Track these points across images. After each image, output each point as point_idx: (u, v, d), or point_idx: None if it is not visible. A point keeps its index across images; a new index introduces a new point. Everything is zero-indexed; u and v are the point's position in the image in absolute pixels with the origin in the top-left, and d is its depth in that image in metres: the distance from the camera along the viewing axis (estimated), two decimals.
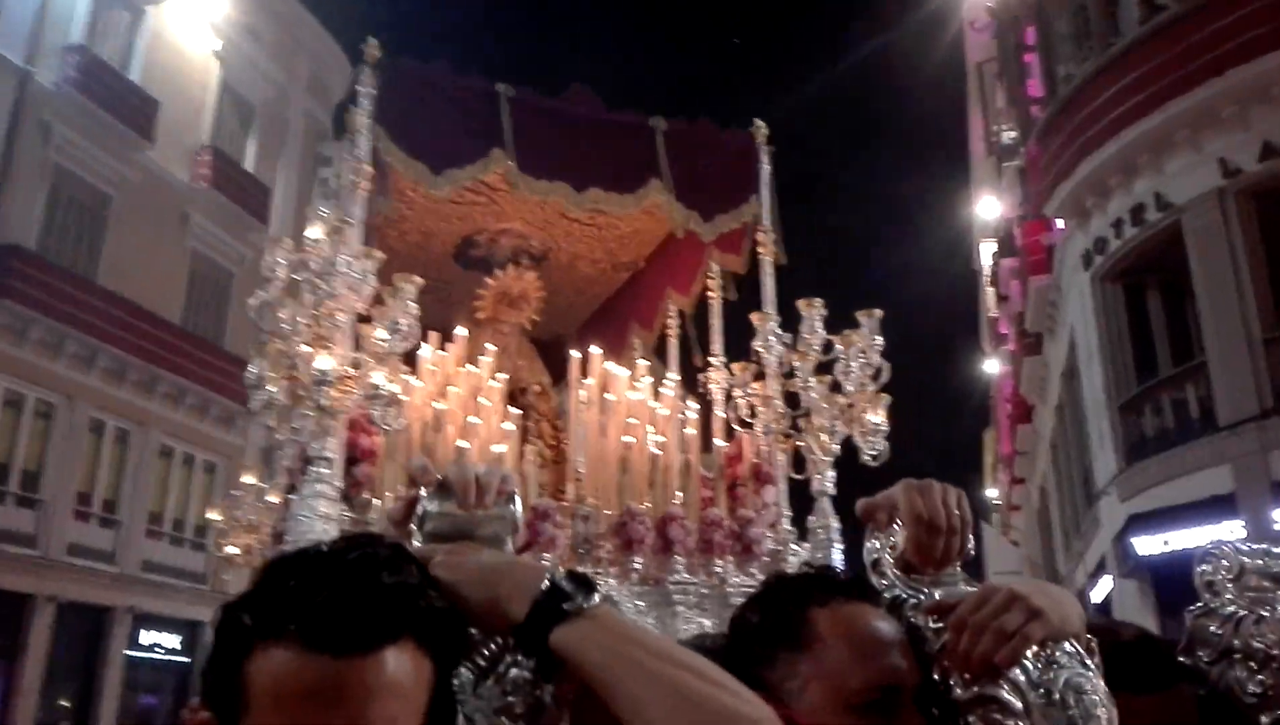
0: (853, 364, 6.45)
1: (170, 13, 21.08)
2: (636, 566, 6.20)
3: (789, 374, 6.74)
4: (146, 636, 19.74)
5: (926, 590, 1.33)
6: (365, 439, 6.25)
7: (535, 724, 1.10)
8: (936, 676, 1.24)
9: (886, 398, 6.59)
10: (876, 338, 6.59)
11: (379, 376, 5.65)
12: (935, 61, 25.95)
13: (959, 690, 1.21)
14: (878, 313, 6.69)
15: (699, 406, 7.54)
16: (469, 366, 7.25)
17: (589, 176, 7.02)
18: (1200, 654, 1.56)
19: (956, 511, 1.41)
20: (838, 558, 6.54)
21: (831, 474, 6.64)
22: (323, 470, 5.64)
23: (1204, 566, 1.64)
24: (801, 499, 7.05)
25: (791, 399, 6.89)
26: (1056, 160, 14.41)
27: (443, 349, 7.37)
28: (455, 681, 1.08)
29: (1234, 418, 12.02)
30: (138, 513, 19.77)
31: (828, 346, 6.70)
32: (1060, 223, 15.27)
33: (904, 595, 1.33)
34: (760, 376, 6.91)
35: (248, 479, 9.75)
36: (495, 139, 6.79)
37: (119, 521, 19.42)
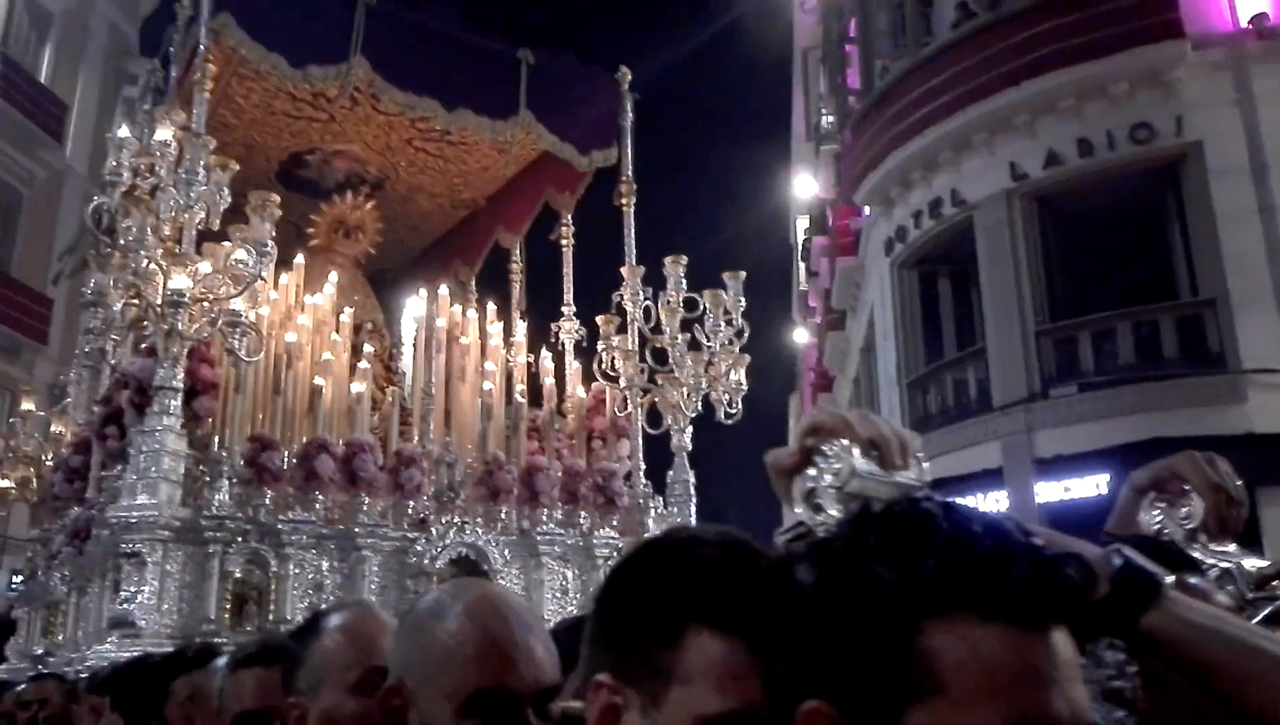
0: (721, 323, 6.57)
1: None
2: (503, 517, 6.06)
3: (654, 329, 6.78)
4: None
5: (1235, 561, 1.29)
6: (206, 370, 5.77)
7: (1135, 708, 1.06)
8: None
9: (747, 358, 6.77)
10: (741, 299, 6.75)
11: (239, 303, 5.21)
12: (770, 39, 26.71)
13: None
14: (741, 274, 6.84)
15: (551, 356, 7.46)
16: (312, 298, 6.83)
17: (458, 96, 6.75)
18: None
19: (1239, 482, 1.43)
20: (692, 514, 6.67)
21: (689, 430, 6.75)
22: (170, 401, 5.17)
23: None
24: (652, 454, 7.14)
25: (646, 355, 6.94)
26: (868, 150, 15.17)
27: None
28: None
29: (1006, 399, 13.12)
30: None
31: (690, 303, 6.79)
32: (867, 209, 16.12)
33: (1221, 567, 1.27)
34: (623, 329, 6.92)
35: (27, 406, 8.73)
36: (353, 44, 6.37)
37: None
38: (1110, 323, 12.78)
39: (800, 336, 25.89)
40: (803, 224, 24.92)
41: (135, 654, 4.83)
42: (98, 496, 6.67)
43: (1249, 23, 12.24)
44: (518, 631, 1.34)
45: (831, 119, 19.79)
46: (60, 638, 6.62)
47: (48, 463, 8.04)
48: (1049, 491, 12.41)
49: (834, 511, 1.14)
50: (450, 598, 1.39)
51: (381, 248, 8.17)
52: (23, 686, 5.00)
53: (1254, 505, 11.12)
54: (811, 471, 1.15)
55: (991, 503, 13.03)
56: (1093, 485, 12.14)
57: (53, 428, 8.29)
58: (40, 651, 6.75)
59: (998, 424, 13.15)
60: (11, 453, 8.28)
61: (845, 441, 1.18)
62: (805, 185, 24.33)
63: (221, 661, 2.58)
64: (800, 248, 25.28)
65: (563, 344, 7.41)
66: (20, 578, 13.19)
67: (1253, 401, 11.44)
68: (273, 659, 2.01)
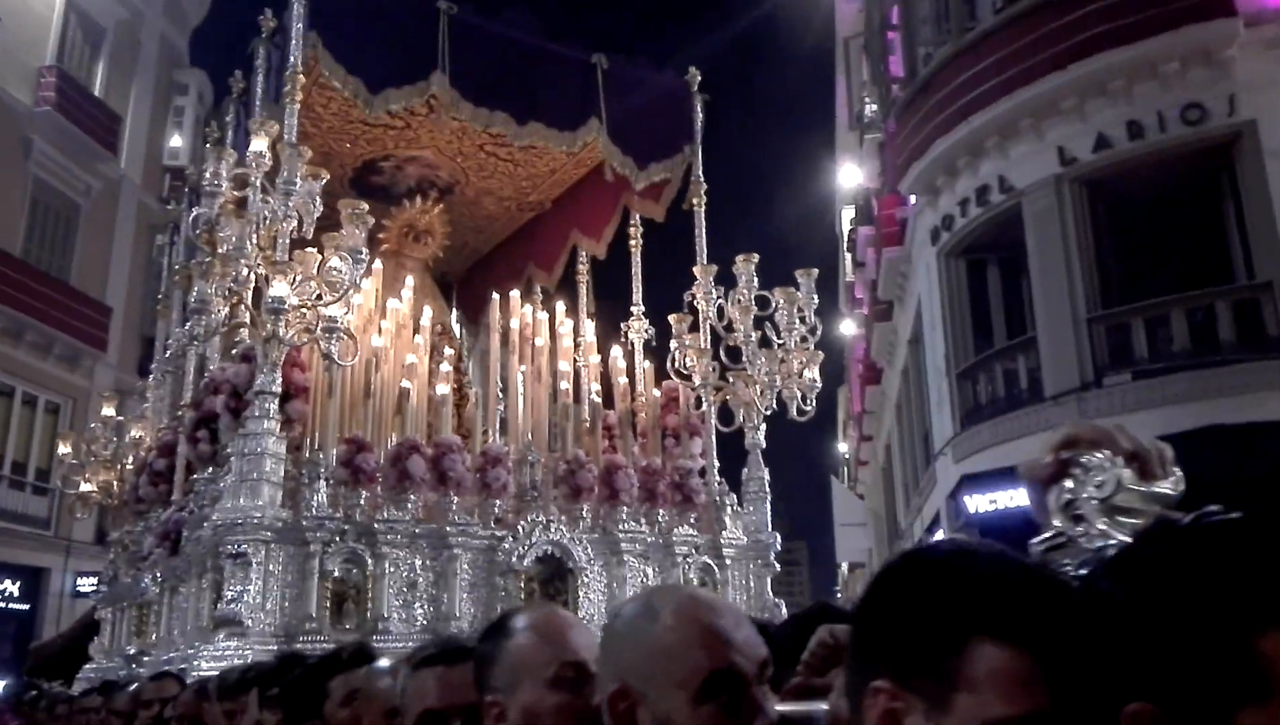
0: (796, 321, 6.61)
1: None
2: (585, 515, 6.16)
3: (728, 327, 6.84)
4: None
5: None
6: (299, 374, 5.90)
7: None
8: None
9: (821, 354, 6.81)
10: (814, 296, 6.79)
11: (335, 309, 5.33)
12: (811, 28, 26.63)
13: None
14: (814, 272, 6.88)
15: (624, 355, 7.54)
16: (393, 302, 6.95)
17: (530, 109, 6.84)
18: None
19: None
20: (767, 512, 6.72)
21: (763, 427, 6.80)
22: (269, 405, 5.30)
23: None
24: (723, 452, 7.20)
25: (719, 353, 7.01)
26: (912, 139, 15.10)
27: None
28: None
29: (1058, 389, 13.02)
30: None
31: (762, 302, 6.85)
32: (912, 198, 16.06)
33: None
34: (695, 327, 6.99)
35: (107, 412, 8.92)
36: (434, 59, 6.47)
37: None
38: (1164, 308, 12.60)
39: (848, 328, 25.84)
40: (848, 214, 24.83)
41: (247, 654, 4.98)
42: (185, 498, 6.84)
43: None
44: (730, 619, 1.43)
45: (875, 107, 19.70)
46: (153, 637, 6.79)
47: (128, 466, 8.23)
48: None
49: (1101, 524, 1.21)
50: (657, 600, 1.48)
51: (447, 251, 8.29)
52: (136, 685, 5.14)
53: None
54: (1069, 483, 1.21)
55: None
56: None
57: (131, 432, 8.47)
58: (133, 651, 6.92)
59: (1050, 414, 13.03)
60: (93, 457, 8.48)
61: (1106, 453, 1.24)
62: (850, 175, 24.24)
63: (384, 662, 2.69)
64: (846, 238, 25.22)
65: (632, 343, 7.49)
66: (94, 580, 13.49)
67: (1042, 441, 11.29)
68: (456, 658, 2.11)
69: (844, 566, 31.77)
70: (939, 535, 15.60)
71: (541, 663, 1.74)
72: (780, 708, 1.41)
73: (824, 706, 1.38)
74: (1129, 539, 1.14)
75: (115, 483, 8.44)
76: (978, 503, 13.76)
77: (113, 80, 21.60)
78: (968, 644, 1.01)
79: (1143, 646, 0.95)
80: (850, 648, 1.15)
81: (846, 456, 33.43)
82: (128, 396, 10.70)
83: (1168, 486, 1.25)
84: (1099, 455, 1.20)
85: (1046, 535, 1.22)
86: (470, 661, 2.00)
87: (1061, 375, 13.03)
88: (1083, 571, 1.15)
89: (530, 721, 1.71)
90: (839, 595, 32.83)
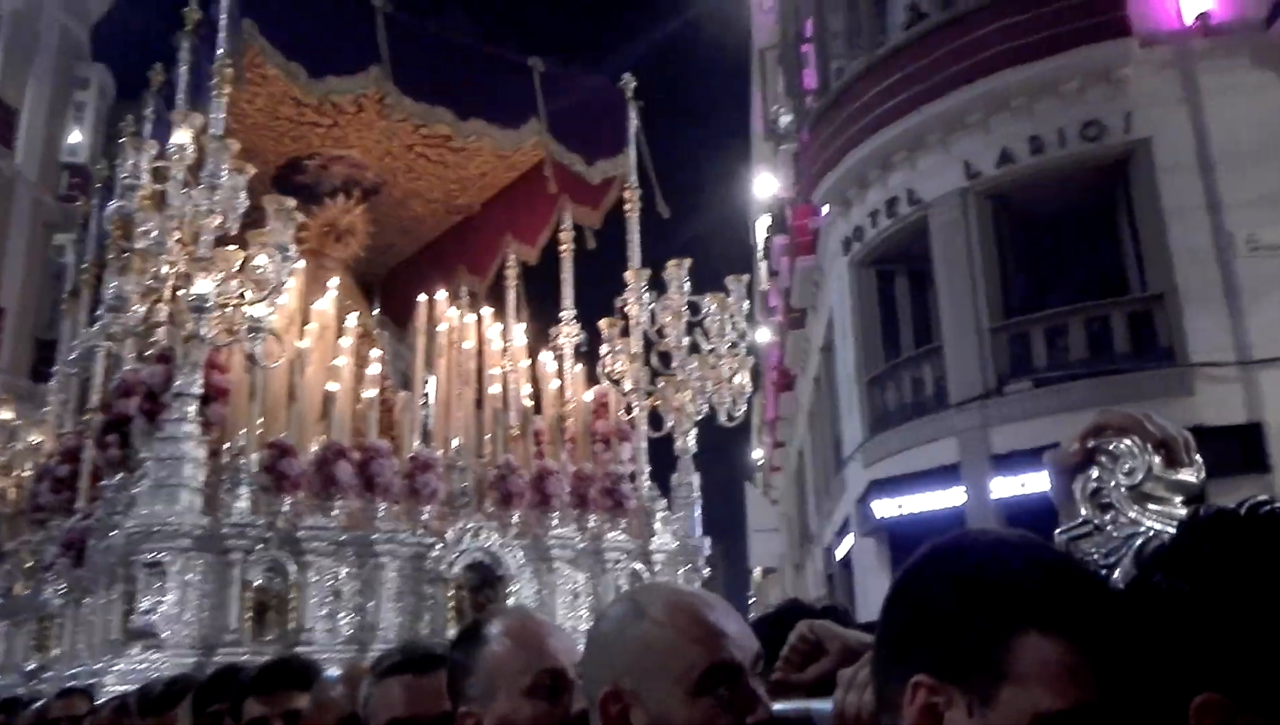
0: (727, 327, 6.65)
1: None
2: (515, 522, 6.07)
3: (659, 333, 6.84)
4: None
5: None
6: (219, 376, 5.68)
7: None
8: None
9: (752, 360, 6.86)
10: (745, 303, 6.84)
11: (260, 309, 5.14)
12: (732, 38, 26.85)
13: None
14: (746, 278, 6.94)
15: (554, 360, 7.48)
16: (317, 303, 6.76)
17: (471, 106, 6.73)
18: None
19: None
20: (697, 517, 6.74)
21: (693, 433, 6.82)
22: (188, 408, 5.09)
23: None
24: (650, 457, 7.19)
25: (650, 358, 7.01)
26: (825, 150, 15.39)
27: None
28: None
29: (962, 396, 13.41)
30: None
31: (693, 307, 6.87)
32: (825, 209, 16.35)
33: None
34: (626, 333, 6.97)
35: (3, 415, 8.43)
36: (373, 54, 6.32)
37: None
38: (1062, 319, 13.05)
39: (762, 336, 26.20)
40: (764, 223, 25.16)
41: (163, 667, 4.76)
42: (91, 505, 6.51)
43: (1194, 20, 12.50)
44: (720, 611, 1.42)
45: (789, 118, 20.02)
46: (55, 652, 6.44)
47: (25, 473, 7.80)
48: (1005, 487, 12.59)
49: (1131, 513, 1.21)
50: (642, 598, 1.46)
51: (370, 252, 8.10)
52: (42, 702, 4.87)
53: (1202, 498, 11.50)
54: (1094, 472, 1.20)
55: (949, 499, 13.35)
56: (1048, 480, 12.46)
57: (29, 437, 8.03)
58: (33, 667, 6.55)
59: (954, 420, 13.41)
60: None
61: (1135, 440, 1.25)
62: (765, 184, 24.57)
63: (334, 672, 2.58)
64: (761, 247, 25.54)
65: (562, 349, 7.43)
66: None
67: (1201, 394, 11.79)
68: (425, 666, 2.04)
69: (756, 571, 32.08)
70: (848, 539, 15.89)
71: (518, 670, 1.68)
72: (776, 706, 1.40)
73: (820, 705, 1.36)
74: (1158, 527, 1.14)
75: (10, 490, 7.99)
76: (885, 507, 14.08)
77: (8, 72, 20.41)
78: (1014, 636, 1.00)
79: (1211, 638, 0.95)
80: (880, 643, 1.13)
81: (760, 462, 33.81)
82: (21, 401, 10.12)
83: (1191, 474, 1.26)
84: (1128, 442, 1.20)
85: (1073, 523, 1.21)
86: (440, 669, 1.94)
87: (965, 383, 13.40)
88: (1110, 560, 1.15)
89: None
90: (751, 600, 33.14)
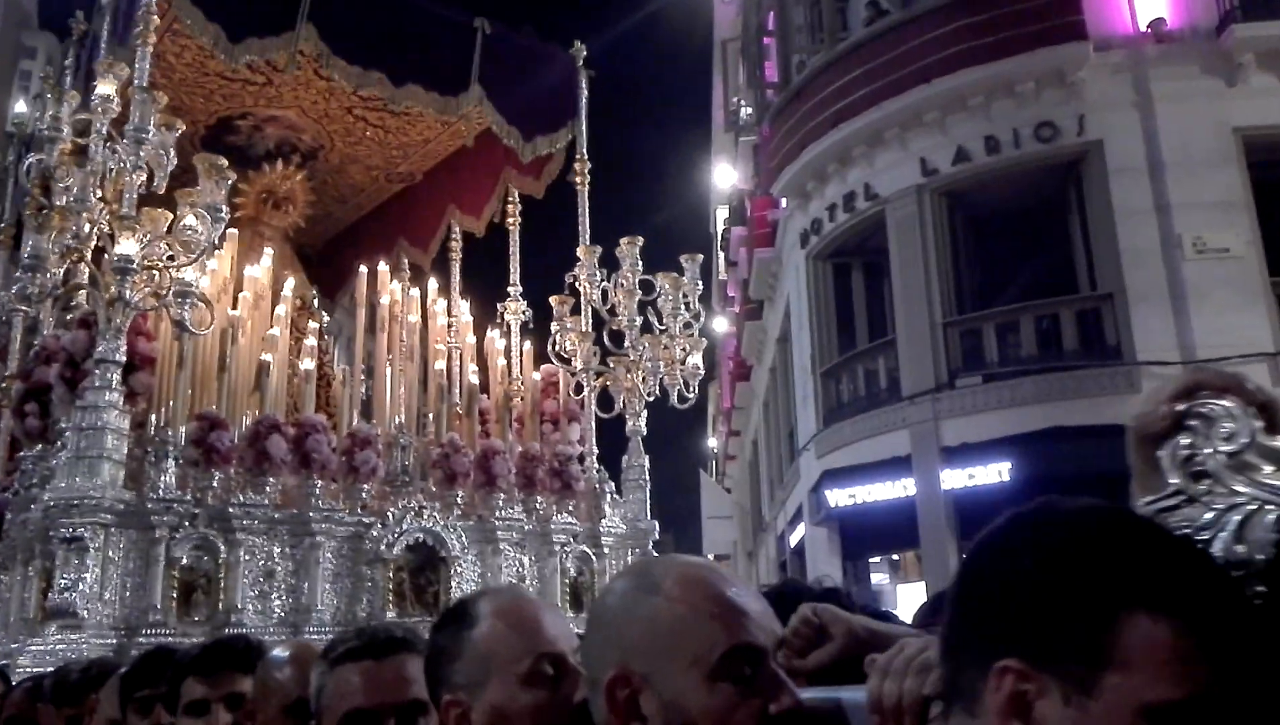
0: (681, 307, 6.51)
1: None
2: (459, 502, 5.87)
3: (610, 311, 6.69)
4: None
5: None
6: (145, 343, 5.40)
7: None
8: None
9: (704, 342, 6.72)
10: (699, 283, 6.70)
11: (190, 272, 4.88)
12: (695, 26, 26.73)
13: None
14: (699, 257, 6.80)
15: (501, 336, 7.29)
16: (251, 270, 6.49)
17: (408, 70, 6.47)
18: None
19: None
20: (646, 500, 6.61)
21: (644, 414, 6.68)
22: (111, 375, 4.82)
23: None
24: (600, 439, 7.04)
25: (602, 337, 6.86)
26: (785, 143, 15.35)
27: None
28: None
29: (914, 389, 13.47)
30: None
31: (645, 286, 6.72)
32: (784, 201, 16.32)
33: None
34: (576, 311, 6.81)
35: None
36: (300, 11, 6.02)
37: None
38: (1013, 315, 13.21)
39: (719, 325, 26.23)
40: (722, 213, 25.18)
41: (83, 649, 4.51)
42: (9, 478, 6.21)
43: (1148, 26, 12.74)
44: (741, 588, 1.27)
45: (750, 111, 19.98)
46: None
47: None
48: (954, 479, 12.77)
49: (1236, 484, 1.05)
50: (656, 571, 1.29)
51: (308, 221, 7.83)
52: None
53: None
54: (1185, 438, 1.08)
55: (900, 490, 13.42)
56: (995, 473, 12.56)
57: None
58: None
59: (907, 413, 13.49)
60: None
61: (1235, 401, 1.10)
62: (725, 175, 24.58)
63: (282, 653, 2.32)
64: (720, 237, 25.56)
65: (509, 325, 7.23)
66: None
67: (1146, 392, 11.96)
68: (385, 651, 1.84)
69: (710, 558, 32.19)
70: (800, 528, 15.90)
71: (513, 656, 1.49)
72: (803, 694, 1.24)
73: (850, 694, 1.21)
74: (1265, 499, 1.01)
75: None
76: (837, 496, 14.12)
77: None
78: (1121, 617, 0.88)
79: None
80: (954, 624, 0.99)
81: (715, 451, 33.91)
82: None
83: None
84: (1226, 403, 1.07)
85: (1161, 494, 1.07)
86: (401, 653, 1.80)
87: (918, 376, 13.47)
88: (1203, 536, 1.02)
89: (499, 723, 1.47)
90: None
